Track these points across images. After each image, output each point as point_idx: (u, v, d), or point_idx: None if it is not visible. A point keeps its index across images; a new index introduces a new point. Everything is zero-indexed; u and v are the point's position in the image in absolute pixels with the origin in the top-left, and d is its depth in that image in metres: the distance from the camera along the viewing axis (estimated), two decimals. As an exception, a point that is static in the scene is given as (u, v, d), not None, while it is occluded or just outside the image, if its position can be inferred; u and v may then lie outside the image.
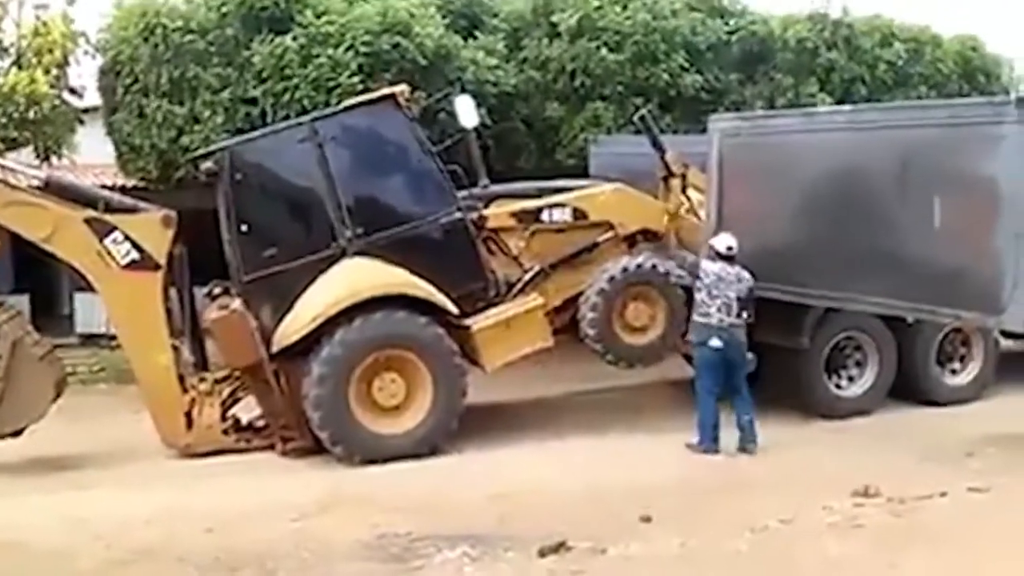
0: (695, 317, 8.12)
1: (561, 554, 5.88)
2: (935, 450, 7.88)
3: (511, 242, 9.22)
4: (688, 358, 9.07)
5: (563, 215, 9.31)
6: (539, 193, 9.56)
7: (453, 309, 8.58)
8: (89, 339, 15.88)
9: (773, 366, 9.03)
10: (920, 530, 6.09)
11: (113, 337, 13.57)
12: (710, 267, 8.07)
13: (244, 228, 8.63)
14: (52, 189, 8.61)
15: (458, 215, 8.92)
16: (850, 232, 7.76)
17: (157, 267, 8.61)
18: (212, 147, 9.37)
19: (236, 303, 8.57)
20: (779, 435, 8.39)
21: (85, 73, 13.00)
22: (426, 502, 7.18)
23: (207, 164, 8.70)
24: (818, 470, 7.45)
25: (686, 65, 12.37)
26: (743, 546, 5.91)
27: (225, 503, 7.31)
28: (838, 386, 9.28)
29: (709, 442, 8.03)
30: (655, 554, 5.86)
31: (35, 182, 8.78)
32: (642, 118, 9.87)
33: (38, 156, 13.06)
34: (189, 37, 11.58)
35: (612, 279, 8.89)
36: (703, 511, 6.68)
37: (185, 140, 11.65)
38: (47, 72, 12.11)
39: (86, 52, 12.65)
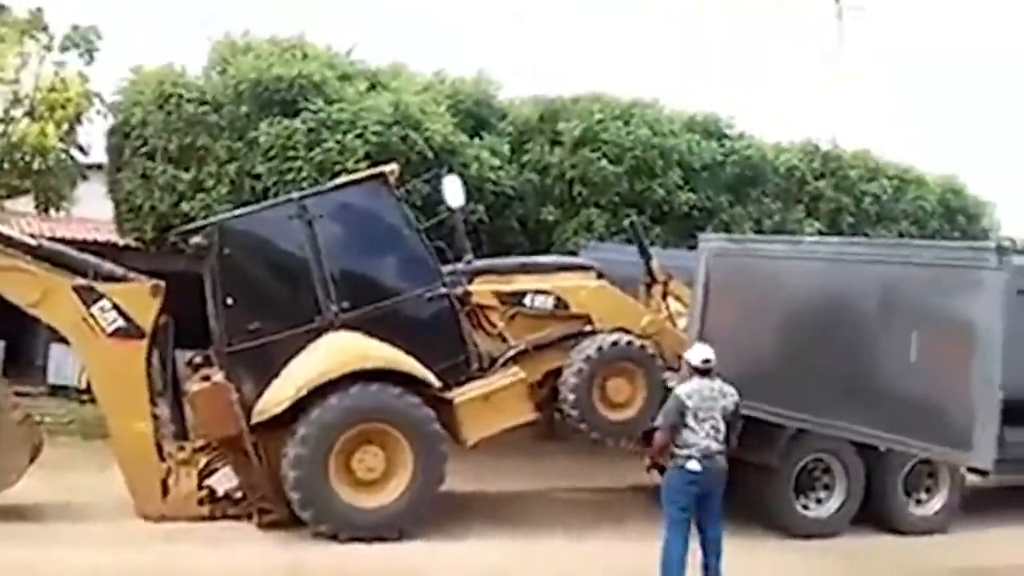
0: (674, 449, 7.17)
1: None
2: (899, 578, 7.94)
3: (494, 319, 9.38)
4: (660, 468, 8.90)
5: (545, 302, 9.50)
6: (522, 268, 9.79)
7: (436, 383, 8.68)
8: (60, 390, 15.76)
9: (742, 482, 9.06)
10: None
11: (83, 391, 13.56)
12: (689, 388, 7.27)
13: (229, 301, 8.72)
14: (43, 254, 8.70)
15: (443, 290, 9.10)
16: (828, 357, 7.90)
17: (142, 336, 8.68)
18: (200, 223, 9.54)
19: (218, 375, 8.61)
20: (744, 551, 8.31)
21: (93, 131, 13.27)
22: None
23: (196, 239, 8.83)
24: (782, 589, 7.48)
25: (680, 182, 12.76)
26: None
27: (185, 567, 7.32)
28: (805, 506, 9.35)
29: None
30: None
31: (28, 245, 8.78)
32: (632, 224, 10.22)
33: (38, 206, 13.23)
34: (203, 109, 11.87)
35: (600, 349, 9.03)
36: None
37: (185, 206, 11.81)
38: (58, 127, 12.37)
39: (98, 112, 12.93)
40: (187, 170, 11.97)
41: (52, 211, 13.35)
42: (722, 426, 7.24)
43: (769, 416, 8.36)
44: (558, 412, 9.54)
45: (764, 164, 13.65)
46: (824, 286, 8.16)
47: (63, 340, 10.18)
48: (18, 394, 9.21)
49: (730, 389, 7.42)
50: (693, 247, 9.79)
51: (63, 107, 12.42)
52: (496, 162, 12.35)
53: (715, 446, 7.16)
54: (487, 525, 8.96)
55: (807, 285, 8.30)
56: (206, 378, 8.64)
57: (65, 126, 12.55)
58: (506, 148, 12.76)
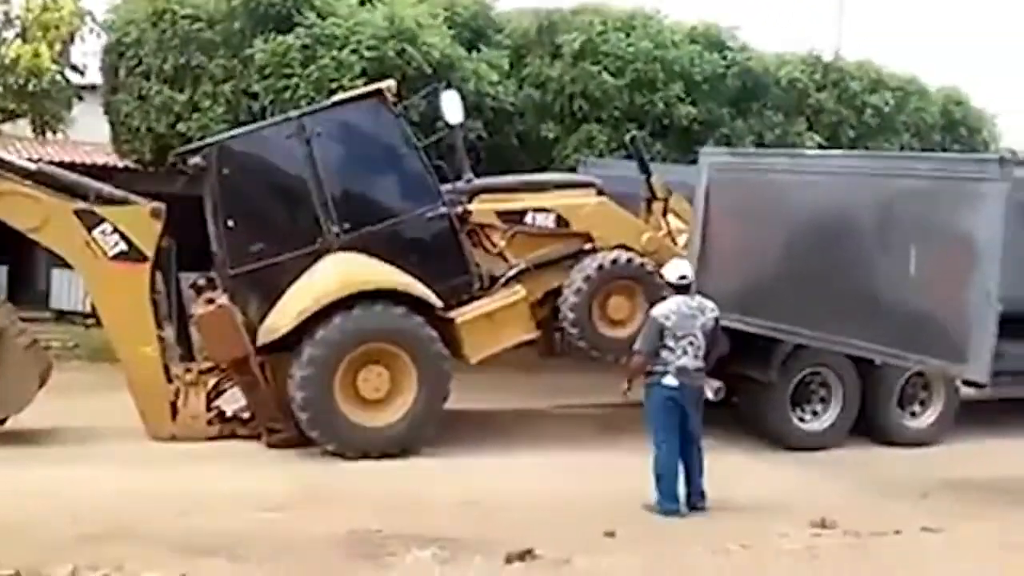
0: (650, 367, 7.13)
1: (528, 562, 6.02)
2: (892, 488, 8.09)
3: (494, 238, 9.41)
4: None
5: (546, 220, 9.47)
6: (522, 186, 9.76)
7: (438, 303, 8.74)
8: (63, 315, 15.92)
9: (740, 396, 9.29)
10: (874, 563, 6.31)
11: (87, 315, 13.69)
12: (667, 308, 7.15)
13: (231, 223, 8.73)
14: (42, 178, 8.65)
15: (443, 210, 9.09)
16: (827, 272, 7.94)
17: (145, 259, 8.70)
18: (198, 143, 9.48)
19: (222, 297, 8.66)
20: (742, 463, 8.57)
21: (87, 51, 13.11)
22: (397, 502, 7.31)
23: (195, 159, 8.78)
24: (778, 499, 7.63)
25: (682, 95, 12.63)
26: (706, 566, 6.09)
27: (199, 487, 7.42)
28: (802, 419, 9.48)
29: (670, 502, 7.11)
30: (619, 568, 6.03)
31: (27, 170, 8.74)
32: (632, 139, 10.15)
33: (34, 129, 13.16)
34: (197, 26, 11.72)
35: (600, 267, 9.06)
36: (666, 531, 6.87)
37: (182, 127, 11.76)
38: (52, 47, 12.20)
39: (91, 31, 12.75)
40: (183, 90, 11.89)
41: (49, 134, 13.27)
42: (701, 343, 7.14)
43: (769, 332, 8.45)
44: (558, 331, 9.65)
45: (766, 76, 13.50)
46: (825, 200, 8.15)
47: (64, 265, 10.25)
48: (23, 319, 9.26)
49: (709, 304, 7.31)
50: (694, 162, 9.75)
51: (56, 27, 12.23)
52: (495, 77, 12.22)
53: (692, 363, 7.10)
54: (489, 441, 9.13)
55: (808, 199, 8.28)
56: (211, 301, 8.69)
57: (58, 47, 12.38)
58: (505, 62, 12.61)
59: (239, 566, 5.86)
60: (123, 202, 8.85)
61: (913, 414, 9.82)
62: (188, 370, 8.90)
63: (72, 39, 12.51)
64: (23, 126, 13.51)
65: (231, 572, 5.74)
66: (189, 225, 9.04)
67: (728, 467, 8.05)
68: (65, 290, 15.93)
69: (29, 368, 8.51)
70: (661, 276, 7.51)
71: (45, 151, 14.97)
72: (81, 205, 8.61)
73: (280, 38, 11.45)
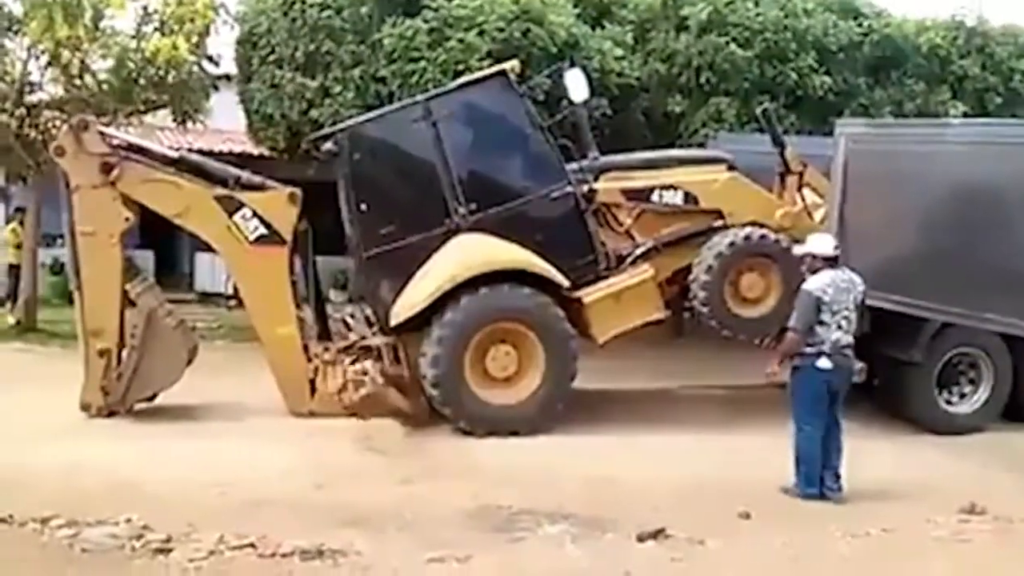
0: (804, 348, 6.86)
1: (660, 541, 5.97)
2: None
3: (621, 216, 9.31)
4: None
5: (674, 198, 9.32)
6: (648, 163, 9.62)
7: (565, 283, 8.72)
8: (207, 297, 16.63)
9: (884, 377, 8.95)
10: (1028, 552, 6.01)
11: (230, 297, 14.25)
12: (821, 281, 6.87)
13: (363, 206, 8.88)
14: (184, 167, 8.98)
15: (569, 189, 9.04)
16: (974, 247, 7.59)
17: (283, 242, 8.93)
18: (330, 129, 9.66)
19: (373, 369, 8.64)
20: (885, 447, 8.28)
21: (221, 42, 13.57)
22: (527, 479, 7.33)
23: (327, 145, 8.96)
24: (923, 484, 7.34)
25: (815, 65, 12.26)
26: (845, 550, 5.91)
27: (335, 461, 7.64)
28: (949, 402, 9.10)
29: (810, 486, 6.90)
30: (755, 550, 5.90)
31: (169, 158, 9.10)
32: (764, 112, 9.86)
33: (175, 119, 13.73)
34: (326, 13, 11.91)
35: (732, 244, 8.86)
36: (804, 513, 6.68)
37: (315, 113, 11.99)
38: (188, 40, 12.68)
39: (225, 22, 13.18)
40: (314, 77, 12.10)
41: (189, 123, 13.82)
42: (854, 318, 6.91)
43: (915, 310, 8.11)
44: (688, 310, 9.48)
45: (905, 43, 12.96)
46: (972, 172, 7.76)
47: (208, 249, 10.65)
48: (169, 301, 9.68)
49: (858, 278, 7.06)
50: (830, 134, 9.41)
51: (191, 20, 12.70)
52: (619, 52, 12.07)
53: (845, 339, 6.86)
54: (620, 421, 9.07)
55: (954, 171, 7.91)
56: (363, 373, 8.67)
57: (194, 39, 12.86)
58: (629, 38, 12.44)
59: (374, 537, 5.97)
60: (261, 188, 9.10)
61: (1070, 396, 9.26)
62: (326, 349, 9.13)
63: (207, 31, 12.93)
64: (164, 116, 14.11)
65: (367, 543, 5.85)
66: (323, 209, 9.27)
67: (866, 451, 7.75)
68: (208, 273, 16.63)
69: (177, 347, 8.89)
70: (811, 255, 7.08)
71: (185, 140, 15.60)
72: (222, 191, 8.90)
73: (408, 22, 11.57)
